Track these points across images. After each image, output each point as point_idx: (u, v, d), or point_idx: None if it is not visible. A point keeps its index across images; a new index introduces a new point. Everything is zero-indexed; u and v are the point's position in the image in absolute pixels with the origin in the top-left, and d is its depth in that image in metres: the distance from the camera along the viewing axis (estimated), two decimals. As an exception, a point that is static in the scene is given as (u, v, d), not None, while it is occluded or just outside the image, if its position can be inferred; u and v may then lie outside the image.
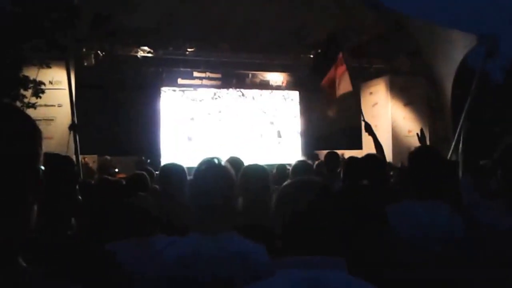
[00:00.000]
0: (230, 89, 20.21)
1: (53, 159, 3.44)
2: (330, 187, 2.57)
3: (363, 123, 9.72)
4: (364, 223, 3.73)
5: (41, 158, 1.67)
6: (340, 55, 12.72)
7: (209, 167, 3.44)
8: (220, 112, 19.98)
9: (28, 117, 1.71)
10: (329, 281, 2.11)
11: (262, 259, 3.25)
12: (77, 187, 3.71)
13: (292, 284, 2.13)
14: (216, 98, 19.98)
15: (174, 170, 5.78)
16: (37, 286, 1.58)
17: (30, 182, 1.60)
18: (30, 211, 1.62)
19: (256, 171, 5.35)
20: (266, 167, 5.49)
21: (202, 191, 3.37)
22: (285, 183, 2.57)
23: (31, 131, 1.68)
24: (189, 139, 19.26)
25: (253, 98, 20.67)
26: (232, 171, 3.49)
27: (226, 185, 3.37)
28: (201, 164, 3.49)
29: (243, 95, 20.53)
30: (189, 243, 3.26)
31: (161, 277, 3.19)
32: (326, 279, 2.11)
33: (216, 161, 3.48)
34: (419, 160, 4.58)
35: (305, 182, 2.50)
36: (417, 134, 8.66)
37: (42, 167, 1.67)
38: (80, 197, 3.79)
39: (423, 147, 5.88)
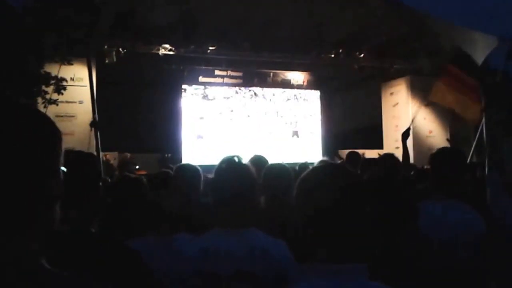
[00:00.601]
0: (251, 88, 20.19)
1: (77, 156, 3.46)
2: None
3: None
4: (397, 217, 3.70)
5: (61, 159, 1.66)
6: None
7: (230, 165, 3.49)
8: (240, 112, 19.98)
9: (47, 118, 1.70)
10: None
11: (283, 255, 3.28)
12: (100, 184, 3.72)
13: None
14: (230, 98, 20.00)
15: (188, 170, 5.80)
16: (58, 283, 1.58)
17: (50, 184, 1.59)
18: (52, 213, 1.62)
19: (279, 170, 5.37)
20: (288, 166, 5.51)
21: (223, 188, 3.41)
22: (310, 168, 2.54)
23: (50, 133, 1.67)
24: (201, 137, 19.27)
25: (273, 94, 20.68)
26: (253, 169, 3.53)
27: (246, 182, 3.41)
28: (222, 163, 3.54)
29: (255, 94, 20.54)
30: (211, 238, 3.30)
31: (183, 272, 3.21)
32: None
33: (236, 159, 3.52)
34: (440, 161, 4.59)
35: (336, 167, 2.47)
36: (447, 139, 8.72)
37: (63, 168, 1.67)
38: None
39: (445, 148, 5.85)
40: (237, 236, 3.25)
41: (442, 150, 4.99)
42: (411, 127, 10.08)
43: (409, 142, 16.16)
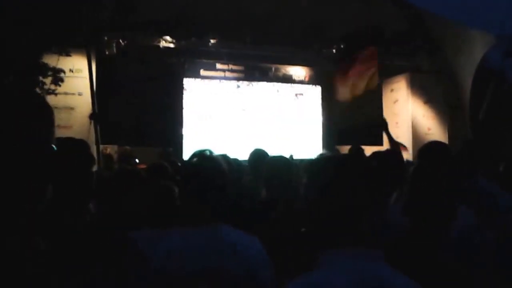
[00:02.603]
0: (252, 83, 20.18)
1: (67, 143, 3.46)
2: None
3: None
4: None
5: (53, 136, 1.67)
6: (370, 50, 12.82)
7: (200, 159, 3.47)
8: (241, 106, 19.96)
9: (38, 95, 1.72)
10: (378, 274, 2.10)
11: (254, 251, 3.29)
12: (92, 170, 3.72)
13: (347, 276, 2.12)
14: (231, 92, 19.98)
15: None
16: (56, 268, 1.58)
17: (43, 156, 1.60)
18: (44, 187, 1.62)
19: (280, 162, 5.36)
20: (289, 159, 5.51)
21: (193, 183, 3.39)
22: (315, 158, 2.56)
23: (41, 108, 1.68)
24: (202, 131, 19.25)
25: (277, 90, 20.68)
26: (224, 163, 3.50)
27: (217, 176, 3.39)
28: (192, 156, 3.53)
29: (256, 88, 20.52)
30: (178, 235, 3.27)
31: (150, 273, 3.17)
32: (375, 272, 2.10)
33: (207, 153, 3.50)
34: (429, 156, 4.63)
35: (339, 156, 2.51)
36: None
37: (54, 146, 1.67)
38: (96, 183, 3.80)
39: (432, 141, 5.87)
40: (205, 232, 3.23)
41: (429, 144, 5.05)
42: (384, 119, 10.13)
43: (408, 139, 16.26)
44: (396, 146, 8.32)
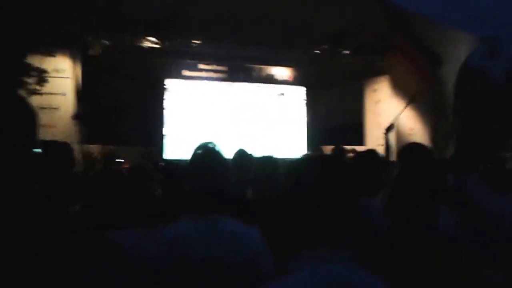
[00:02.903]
0: (235, 83, 20.19)
1: (50, 146, 3.48)
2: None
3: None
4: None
5: (37, 139, 1.69)
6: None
7: (204, 151, 3.55)
8: (224, 106, 19.96)
9: (22, 98, 1.73)
10: (348, 279, 2.11)
11: (253, 242, 3.34)
12: (74, 173, 3.74)
13: (315, 281, 2.13)
14: (215, 92, 19.94)
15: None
16: (40, 268, 1.60)
17: (26, 158, 1.62)
18: (27, 188, 1.64)
19: (267, 163, 5.41)
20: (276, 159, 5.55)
21: (196, 174, 3.48)
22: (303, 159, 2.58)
23: (26, 112, 1.70)
24: (184, 132, 19.24)
25: (261, 91, 20.67)
26: (225, 156, 3.61)
27: (219, 168, 3.48)
28: (197, 149, 3.61)
29: (240, 89, 20.53)
30: (180, 225, 3.35)
31: (154, 259, 3.23)
32: (346, 277, 2.11)
33: (211, 145, 3.58)
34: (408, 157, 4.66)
35: (317, 156, 2.51)
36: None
37: (39, 150, 1.69)
38: (79, 185, 3.82)
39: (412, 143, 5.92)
40: (207, 222, 3.30)
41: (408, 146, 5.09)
42: (394, 123, 10.23)
43: (392, 139, 16.33)
44: (389, 151, 8.42)
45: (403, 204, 3.37)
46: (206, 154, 3.54)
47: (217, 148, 3.58)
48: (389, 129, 9.45)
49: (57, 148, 3.70)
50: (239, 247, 3.23)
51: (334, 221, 2.20)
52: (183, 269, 3.18)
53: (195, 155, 3.58)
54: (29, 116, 1.73)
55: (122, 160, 13.76)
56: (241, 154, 6.86)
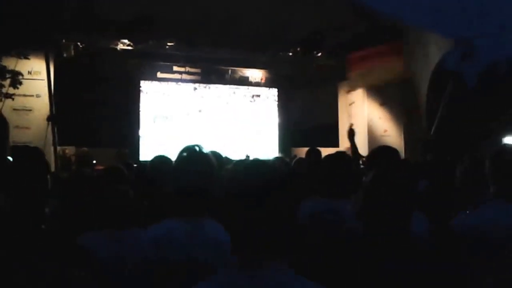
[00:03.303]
0: (208, 85, 20.23)
1: (22, 151, 3.51)
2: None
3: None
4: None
5: (8, 148, 1.72)
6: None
7: (190, 154, 3.58)
8: (198, 108, 19.99)
9: None
10: (270, 281, 2.12)
11: None
12: (47, 177, 3.78)
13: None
14: (188, 94, 19.98)
15: (164, 162, 5.90)
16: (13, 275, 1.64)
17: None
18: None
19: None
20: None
21: (181, 177, 3.52)
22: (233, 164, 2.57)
23: None
24: (158, 132, 19.26)
25: (234, 92, 20.72)
26: (213, 159, 3.60)
27: (205, 171, 3.49)
28: (182, 151, 3.62)
29: (213, 91, 20.56)
30: (165, 226, 3.38)
31: (135, 261, 3.30)
32: (269, 280, 2.12)
33: (197, 148, 3.59)
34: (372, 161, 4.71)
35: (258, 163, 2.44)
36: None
37: (10, 158, 1.74)
38: (52, 189, 3.84)
39: (381, 147, 5.95)
40: (191, 226, 3.33)
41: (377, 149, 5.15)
42: (353, 126, 10.33)
43: (364, 141, 16.42)
44: (357, 156, 8.47)
45: (376, 208, 3.39)
46: (190, 157, 3.57)
47: (203, 151, 3.61)
48: (350, 133, 9.51)
49: (29, 154, 3.74)
50: (222, 251, 3.20)
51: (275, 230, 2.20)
52: (164, 271, 3.22)
53: (180, 157, 3.61)
54: (1, 127, 1.77)
55: (95, 162, 13.77)
56: (214, 156, 6.85)
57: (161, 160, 5.99)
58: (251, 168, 2.36)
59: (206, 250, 3.25)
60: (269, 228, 2.19)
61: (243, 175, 2.30)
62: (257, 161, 2.45)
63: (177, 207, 3.45)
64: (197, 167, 3.47)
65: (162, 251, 3.23)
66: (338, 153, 6.11)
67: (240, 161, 2.77)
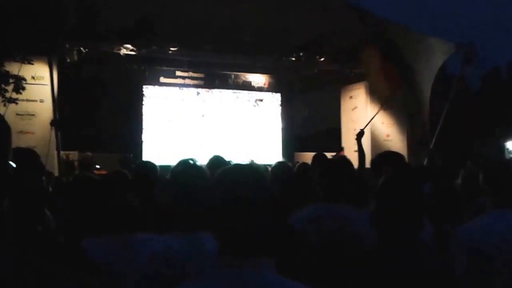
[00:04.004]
0: (212, 90, 20.24)
1: (16, 153, 3.51)
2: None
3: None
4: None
5: (10, 154, 1.72)
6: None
7: (186, 168, 3.57)
8: (201, 113, 19.99)
9: None
10: (252, 280, 2.14)
11: None
12: (43, 179, 3.77)
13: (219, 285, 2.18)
14: (191, 99, 19.99)
15: (150, 168, 5.90)
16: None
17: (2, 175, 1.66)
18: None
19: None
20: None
21: (178, 190, 3.49)
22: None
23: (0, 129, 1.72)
24: (162, 137, 19.26)
25: (237, 97, 20.74)
26: (208, 172, 3.58)
27: (201, 185, 3.42)
28: (177, 165, 3.63)
29: (216, 95, 20.57)
30: (163, 240, 3.35)
31: (135, 274, 3.27)
32: (251, 279, 2.14)
33: (191, 162, 3.59)
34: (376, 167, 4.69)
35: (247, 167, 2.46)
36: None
37: (12, 163, 1.73)
38: (55, 193, 3.84)
39: (387, 152, 5.94)
40: (189, 240, 3.32)
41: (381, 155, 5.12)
42: (364, 129, 10.37)
43: (367, 145, 16.42)
44: (364, 158, 8.46)
45: (389, 215, 3.39)
46: (186, 171, 3.55)
47: (198, 164, 3.60)
48: (359, 135, 9.56)
49: (23, 156, 3.73)
50: None
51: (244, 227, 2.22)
52: (163, 286, 3.18)
53: (175, 171, 3.61)
54: (3, 135, 1.76)
55: (98, 166, 13.80)
56: (217, 161, 6.80)
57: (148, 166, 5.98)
58: (236, 173, 2.41)
59: (204, 263, 3.16)
60: (252, 230, 2.24)
61: (230, 181, 2.35)
62: (240, 166, 2.51)
63: (174, 221, 3.45)
64: (193, 181, 3.46)
65: (159, 267, 3.22)
66: (342, 157, 6.13)
67: (229, 165, 2.77)
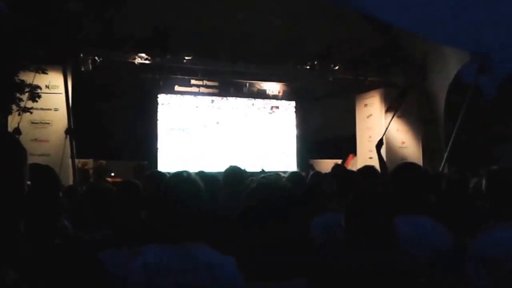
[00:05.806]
0: (226, 98, 20.27)
1: (33, 170, 3.51)
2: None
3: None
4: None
5: (26, 174, 1.72)
6: None
7: (179, 181, 3.55)
8: (216, 120, 20.01)
9: (13, 138, 1.76)
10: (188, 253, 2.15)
11: (230, 272, 3.30)
12: (60, 194, 3.77)
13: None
14: (206, 107, 20.03)
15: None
16: None
17: (17, 199, 1.66)
18: (17, 225, 1.68)
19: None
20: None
21: (172, 203, 3.47)
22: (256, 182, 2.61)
23: (16, 152, 1.73)
24: (177, 145, 19.28)
25: (252, 104, 20.78)
26: (201, 184, 3.56)
27: (195, 197, 3.47)
28: (170, 178, 3.63)
29: (231, 104, 20.60)
30: (153, 252, 3.32)
31: (129, 285, 3.27)
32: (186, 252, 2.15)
33: (185, 174, 3.58)
34: (400, 175, 4.65)
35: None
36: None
37: (28, 182, 1.74)
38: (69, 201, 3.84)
39: (405, 163, 5.89)
40: (182, 252, 3.28)
41: (401, 165, 5.07)
42: (383, 138, 10.36)
43: (382, 152, 16.40)
44: (384, 167, 8.42)
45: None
46: (180, 183, 3.52)
47: (192, 177, 3.57)
48: (379, 145, 9.54)
49: (39, 174, 3.72)
50: (214, 276, 3.21)
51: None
52: None
53: (168, 183, 3.57)
54: (19, 156, 1.77)
55: (113, 174, 13.84)
56: (233, 171, 6.76)
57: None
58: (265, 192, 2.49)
59: (197, 275, 3.21)
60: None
61: (260, 197, 2.42)
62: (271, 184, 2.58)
63: (167, 232, 3.44)
64: (187, 193, 3.45)
65: (151, 279, 3.18)
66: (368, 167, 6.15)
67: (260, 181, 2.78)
